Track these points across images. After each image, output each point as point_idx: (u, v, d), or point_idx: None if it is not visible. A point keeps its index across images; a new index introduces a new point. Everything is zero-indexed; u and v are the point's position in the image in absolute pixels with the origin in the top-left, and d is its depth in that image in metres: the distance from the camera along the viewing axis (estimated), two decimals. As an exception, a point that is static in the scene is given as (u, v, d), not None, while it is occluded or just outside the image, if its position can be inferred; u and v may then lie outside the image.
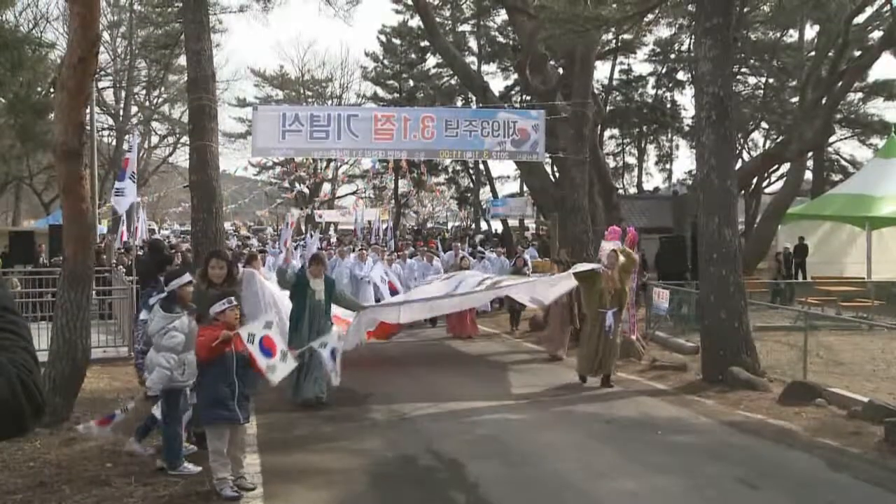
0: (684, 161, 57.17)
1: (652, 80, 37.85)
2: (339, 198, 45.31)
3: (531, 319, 13.23)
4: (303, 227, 38.47)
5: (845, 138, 32.09)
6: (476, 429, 6.84)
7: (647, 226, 22.83)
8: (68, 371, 6.73)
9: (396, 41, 40.42)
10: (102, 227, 22.07)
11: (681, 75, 36.26)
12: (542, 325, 13.09)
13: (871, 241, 17.53)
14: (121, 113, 32.86)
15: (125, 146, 28.70)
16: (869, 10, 16.42)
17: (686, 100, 38.11)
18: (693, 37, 23.40)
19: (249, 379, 5.19)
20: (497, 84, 37.74)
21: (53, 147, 6.48)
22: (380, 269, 13.86)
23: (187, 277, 5.58)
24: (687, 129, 36.21)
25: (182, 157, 35.30)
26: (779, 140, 26.54)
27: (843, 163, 33.09)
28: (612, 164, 38.03)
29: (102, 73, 29.36)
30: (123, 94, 32.96)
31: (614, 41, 24.28)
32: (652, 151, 41.54)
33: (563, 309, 10.97)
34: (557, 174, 20.87)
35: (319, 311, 7.92)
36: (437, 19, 29.30)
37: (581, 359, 9.09)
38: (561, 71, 19.28)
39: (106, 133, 31.93)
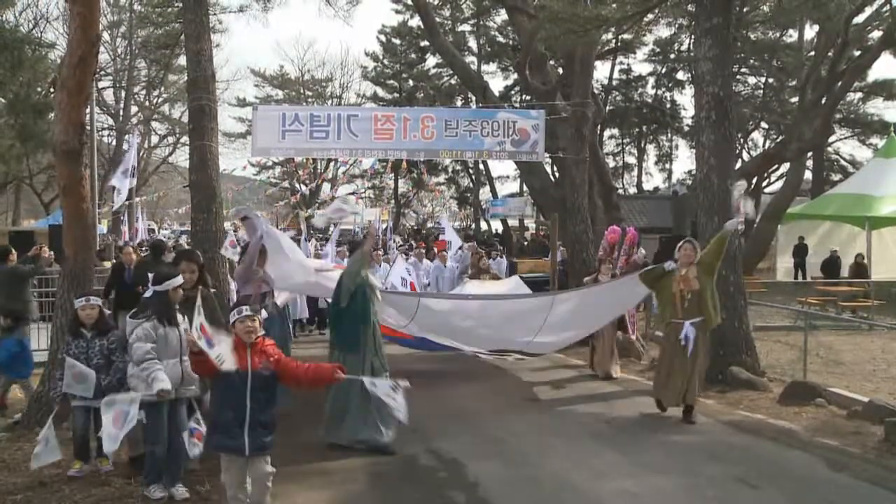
0: (684, 161, 57.27)
1: (652, 80, 37.96)
2: (338, 197, 45.35)
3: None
4: (302, 227, 38.47)
5: (845, 138, 32.18)
6: (476, 429, 6.85)
7: (647, 226, 22.87)
8: (68, 371, 6.73)
9: (396, 41, 40.49)
10: (102, 228, 22.07)
11: (680, 75, 36.37)
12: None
13: (870, 241, 17.55)
14: (121, 113, 32.85)
15: (124, 146, 28.71)
16: (868, 10, 16.42)
17: (686, 100, 38.22)
18: (693, 37, 23.42)
19: (272, 402, 4.39)
20: (497, 84, 37.89)
21: (53, 147, 6.47)
22: (400, 269, 12.81)
23: (178, 279, 5.08)
24: (686, 129, 36.28)
25: (182, 157, 35.33)
26: (778, 140, 26.56)
27: (843, 162, 33.17)
28: (611, 164, 38.10)
29: (102, 72, 29.35)
30: (123, 93, 32.92)
31: (614, 41, 24.31)
32: (651, 151, 41.66)
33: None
34: (557, 174, 20.89)
35: (375, 313, 6.57)
36: (437, 19, 29.33)
37: (658, 385, 7.32)
38: (561, 71, 19.30)
39: (106, 133, 31.94)
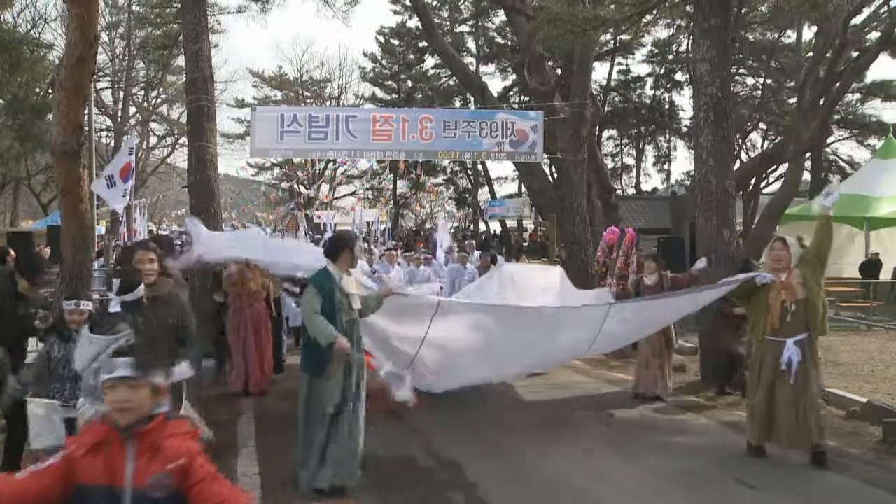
0: (682, 162, 57.36)
1: (650, 81, 37.95)
2: (338, 198, 45.35)
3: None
4: (301, 228, 38.44)
5: (843, 139, 32.21)
6: (475, 429, 6.84)
7: (646, 226, 22.85)
8: (66, 372, 6.71)
9: (395, 42, 40.51)
10: (101, 228, 22.02)
11: (679, 76, 36.35)
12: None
13: (869, 242, 17.57)
14: (119, 114, 32.84)
15: (123, 147, 28.69)
16: (866, 11, 16.42)
17: (684, 101, 38.22)
18: (691, 38, 23.42)
19: None
20: (495, 85, 37.79)
21: (52, 148, 6.46)
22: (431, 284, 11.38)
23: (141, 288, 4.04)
24: (685, 129, 36.28)
25: (181, 158, 35.31)
26: (777, 141, 26.55)
27: (842, 163, 33.17)
28: (610, 164, 38.09)
29: (101, 73, 29.35)
30: (122, 94, 32.93)
31: (613, 42, 24.29)
32: (650, 152, 41.65)
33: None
34: (556, 175, 20.89)
35: (355, 334, 5.21)
36: (436, 20, 29.33)
37: (750, 417, 6.00)
38: (559, 72, 19.30)
39: (104, 134, 31.92)
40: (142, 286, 4.28)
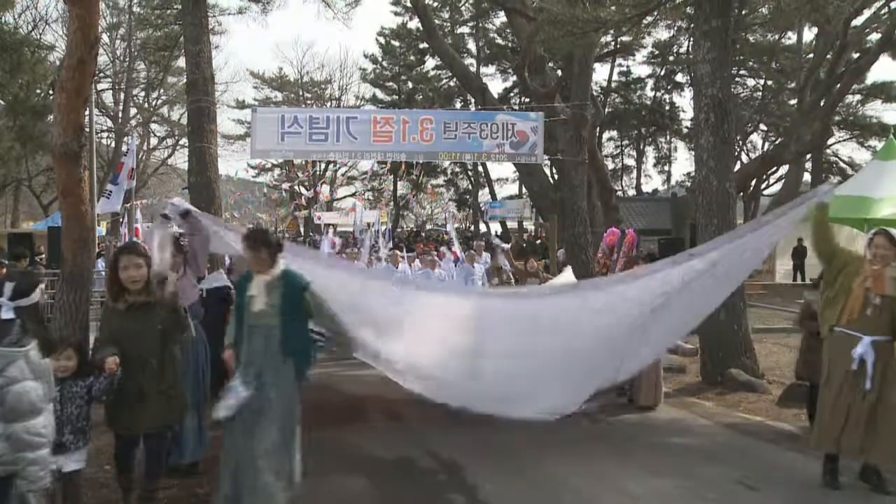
0: (683, 163, 57.40)
1: (651, 83, 38.08)
2: (338, 199, 45.41)
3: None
4: (301, 229, 38.54)
5: (844, 140, 32.26)
6: (474, 431, 6.83)
7: (646, 228, 22.90)
8: (67, 372, 6.70)
9: (395, 43, 40.61)
10: (101, 230, 22.04)
11: (679, 77, 36.45)
12: None
13: (869, 243, 17.56)
14: (120, 115, 32.85)
15: (123, 148, 28.72)
16: (867, 13, 16.45)
17: (685, 102, 38.35)
18: (692, 39, 23.44)
19: None
20: (496, 86, 37.91)
21: (52, 149, 6.46)
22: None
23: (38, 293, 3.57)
24: (685, 131, 36.36)
25: (181, 160, 35.32)
26: (777, 142, 26.59)
27: (842, 165, 33.20)
28: (610, 166, 38.17)
29: (101, 74, 29.36)
30: (122, 95, 32.94)
31: (613, 43, 24.33)
32: (650, 153, 41.77)
33: None
34: (556, 176, 20.91)
35: (263, 342, 4.38)
36: (436, 21, 29.38)
37: (818, 423, 5.23)
38: (560, 73, 19.33)
39: (105, 135, 31.93)
40: (38, 290, 3.67)
